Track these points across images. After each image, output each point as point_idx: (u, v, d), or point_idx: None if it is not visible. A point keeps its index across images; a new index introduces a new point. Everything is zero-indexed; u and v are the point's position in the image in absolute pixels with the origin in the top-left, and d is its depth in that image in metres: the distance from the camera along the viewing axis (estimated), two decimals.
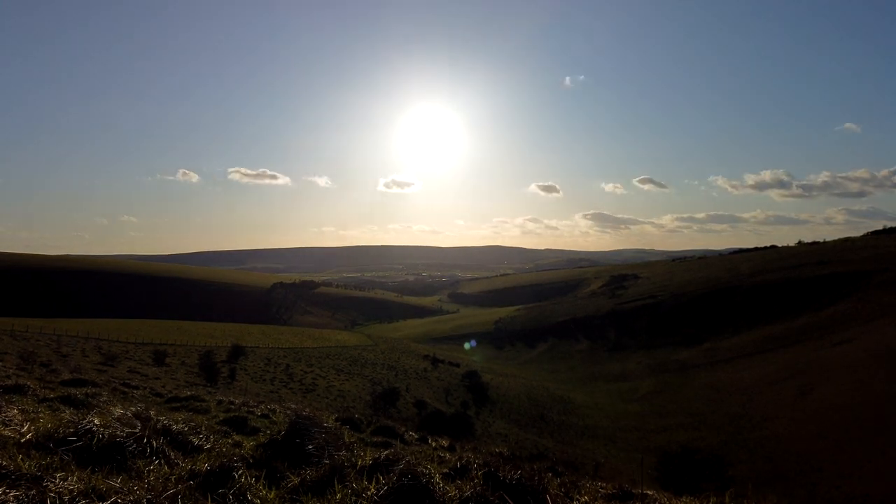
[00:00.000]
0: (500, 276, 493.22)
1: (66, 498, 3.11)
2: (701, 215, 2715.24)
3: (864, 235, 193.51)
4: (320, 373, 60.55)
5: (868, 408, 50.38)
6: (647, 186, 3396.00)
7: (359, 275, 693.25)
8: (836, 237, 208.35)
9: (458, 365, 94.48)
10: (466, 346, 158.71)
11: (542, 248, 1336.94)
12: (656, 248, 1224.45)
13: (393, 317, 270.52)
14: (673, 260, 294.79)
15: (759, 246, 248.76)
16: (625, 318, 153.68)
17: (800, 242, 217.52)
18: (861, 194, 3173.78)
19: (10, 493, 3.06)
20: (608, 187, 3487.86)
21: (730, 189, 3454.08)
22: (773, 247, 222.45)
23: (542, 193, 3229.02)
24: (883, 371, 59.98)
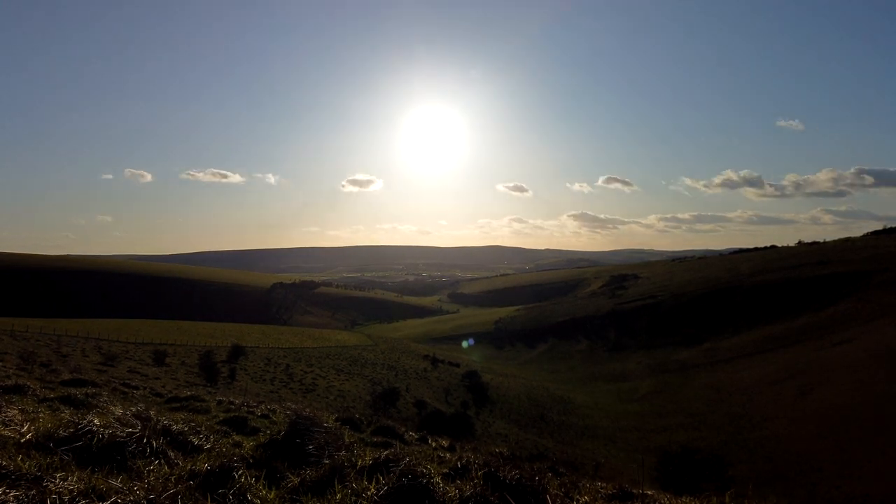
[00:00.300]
0: (500, 276, 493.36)
1: (66, 498, 3.11)
2: (686, 215, 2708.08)
3: (864, 235, 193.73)
4: (320, 373, 60.57)
5: (868, 408, 50.40)
6: (613, 185, 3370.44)
7: (359, 275, 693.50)
8: (824, 237, 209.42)
9: (458, 365, 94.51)
10: (464, 344, 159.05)
11: (542, 248, 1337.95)
12: (655, 249, 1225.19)
13: (393, 317, 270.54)
14: (673, 260, 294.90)
15: (755, 246, 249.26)
16: (625, 318, 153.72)
17: (800, 242, 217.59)
18: (840, 194, 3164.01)
19: (10, 493, 3.06)
20: (575, 187, 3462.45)
21: (702, 188, 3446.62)
22: (773, 247, 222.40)
23: (516, 194, 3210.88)
24: (883, 371, 60.01)
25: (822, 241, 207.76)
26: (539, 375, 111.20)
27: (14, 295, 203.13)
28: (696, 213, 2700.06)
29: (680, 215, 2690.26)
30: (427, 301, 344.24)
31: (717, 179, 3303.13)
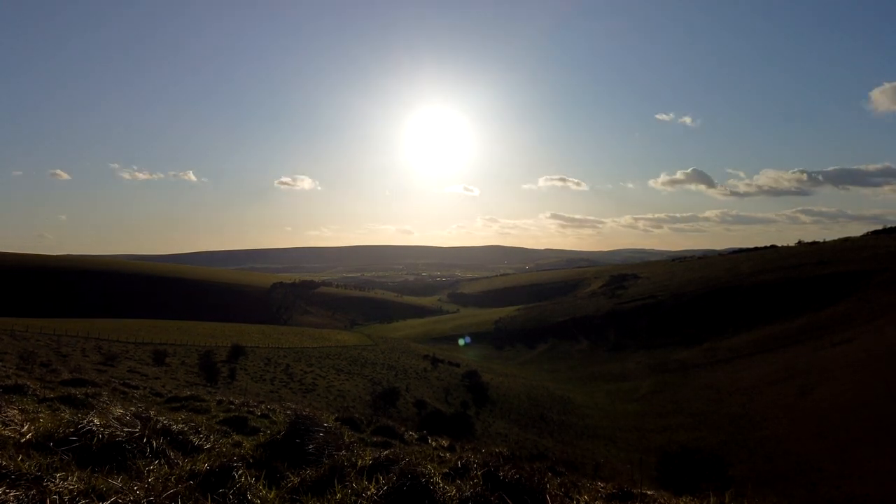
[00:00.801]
0: (500, 276, 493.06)
1: (66, 498, 3.11)
2: (662, 215, 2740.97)
3: (863, 235, 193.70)
4: (320, 373, 60.56)
5: (868, 408, 50.40)
6: (560, 184, 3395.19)
7: (359, 275, 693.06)
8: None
9: (458, 365, 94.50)
10: (461, 342, 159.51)
11: (542, 248, 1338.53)
12: (655, 249, 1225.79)
13: (393, 317, 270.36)
14: (673, 260, 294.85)
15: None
16: (625, 318, 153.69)
17: (800, 242, 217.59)
18: (804, 192, 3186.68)
19: (10, 493, 3.06)
20: (525, 186, 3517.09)
21: (659, 187, 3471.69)
22: (773, 247, 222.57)
23: (466, 193, 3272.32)
24: (883, 371, 60.00)
25: (821, 240, 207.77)
26: (539, 375, 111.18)
27: (14, 295, 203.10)
28: (669, 214, 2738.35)
29: (655, 215, 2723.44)
30: (427, 301, 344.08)
31: (661, 180, 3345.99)
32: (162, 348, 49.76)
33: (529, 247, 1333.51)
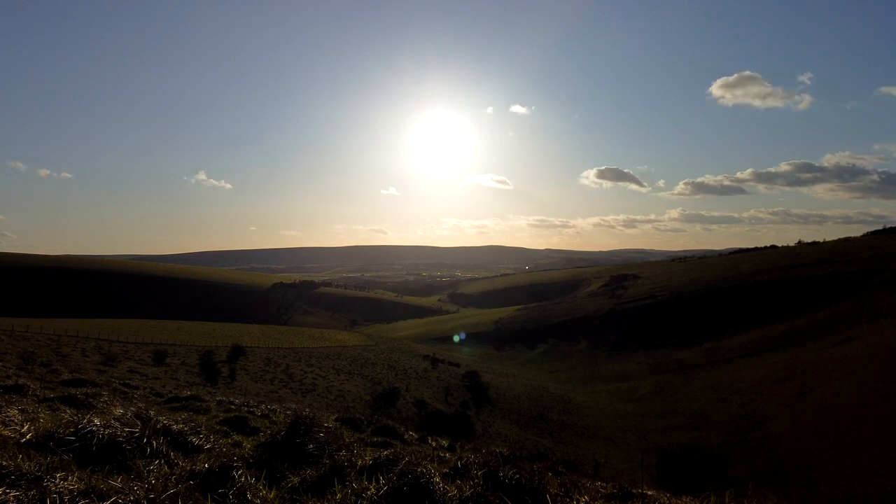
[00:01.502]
0: (500, 276, 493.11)
1: (66, 498, 3.11)
2: (622, 216, 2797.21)
3: (863, 235, 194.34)
4: (320, 373, 60.54)
5: (868, 408, 50.38)
6: (487, 184, 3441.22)
7: (359, 275, 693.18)
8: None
9: (458, 365, 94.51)
10: (456, 338, 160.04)
11: (542, 248, 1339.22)
12: (655, 249, 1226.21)
13: (393, 317, 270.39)
14: (672, 260, 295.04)
15: (758, 246, 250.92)
16: (625, 318, 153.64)
17: (799, 242, 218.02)
18: (737, 191, 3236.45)
19: (10, 493, 3.06)
20: (450, 187, 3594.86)
21: (593, 186, 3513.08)
22: (772, 247, 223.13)
23: (394, 194, 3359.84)
24: (883, 371, 60.00)
25: (821, 240, 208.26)
26: (539, 375, 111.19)
27: (14, 295, 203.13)
28: (629, 215, 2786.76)
29: (617, 216, 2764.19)
30: (427, 301, 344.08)
31: (589, 179, 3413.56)
32: (162, 348, 49.75)
33: (530, 247, 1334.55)
